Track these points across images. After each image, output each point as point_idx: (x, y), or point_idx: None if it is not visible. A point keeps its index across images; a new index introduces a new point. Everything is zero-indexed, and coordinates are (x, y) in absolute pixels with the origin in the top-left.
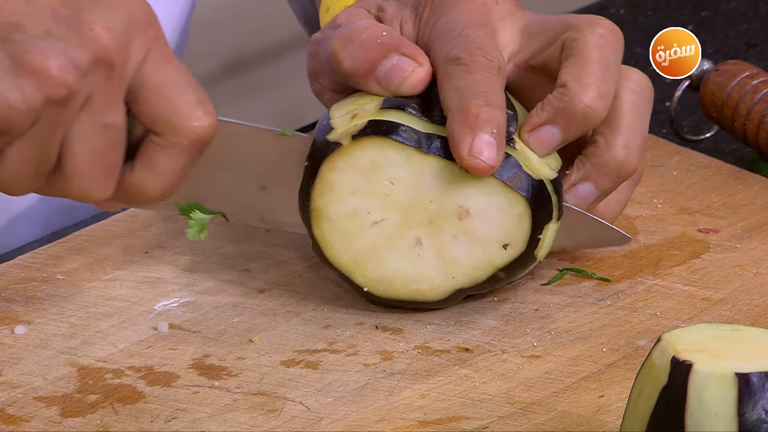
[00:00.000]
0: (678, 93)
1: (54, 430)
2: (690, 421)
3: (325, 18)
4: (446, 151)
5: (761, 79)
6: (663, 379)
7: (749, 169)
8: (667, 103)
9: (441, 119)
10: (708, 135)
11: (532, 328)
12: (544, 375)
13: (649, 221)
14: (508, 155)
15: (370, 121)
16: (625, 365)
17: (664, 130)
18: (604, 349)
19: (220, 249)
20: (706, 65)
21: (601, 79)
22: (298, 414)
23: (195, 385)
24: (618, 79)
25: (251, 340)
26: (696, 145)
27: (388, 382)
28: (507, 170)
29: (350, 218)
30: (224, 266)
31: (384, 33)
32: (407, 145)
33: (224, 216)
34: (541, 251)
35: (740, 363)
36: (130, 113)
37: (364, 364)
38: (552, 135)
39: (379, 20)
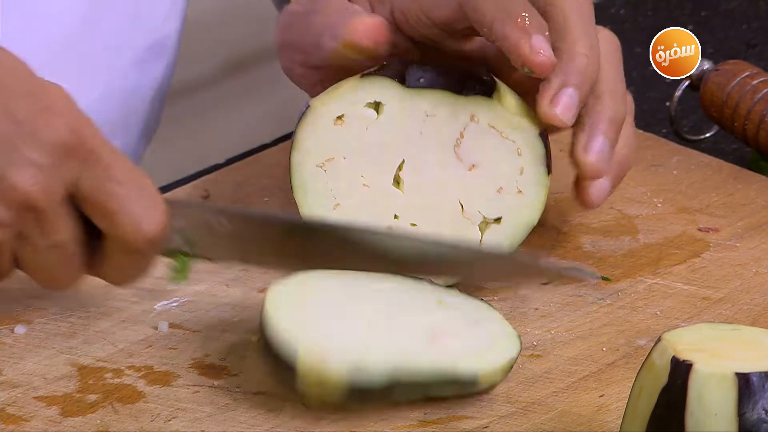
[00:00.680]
0: (678, 93)
1: (54, 430)
2: (690, 421)
3: None
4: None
5: (761, 79)
6: (663, 379)
7: (749, 169)
8: (667, 103)
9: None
10: (708, 135)
11: (532, 328)
12: (544, 374)
13: (649, 220)
14: None
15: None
16: (625, 365)
17: (664, 130)
18: (604, 349)
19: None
20: (706, 65)
21: (581, 39)
22: (298, 414)
23: (195, 385)
24: None
25: (251, 340)
26: (696, 145)
27: None
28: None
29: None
30: (224, 266)
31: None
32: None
33: (209, 258)
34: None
35: (740, 363)
36: None
37: None
38: (570, 97)
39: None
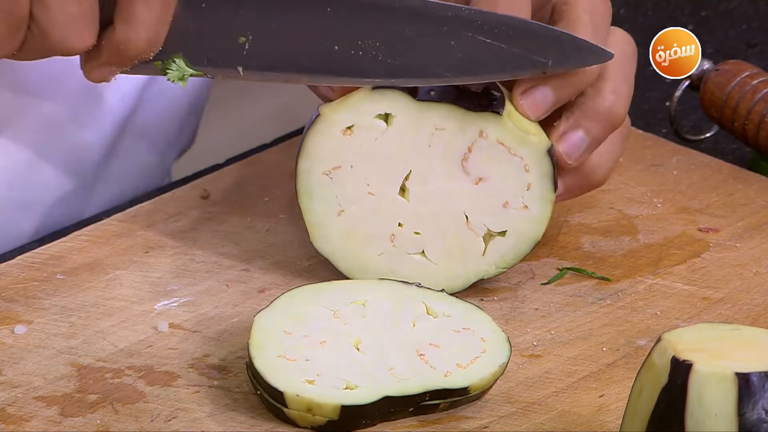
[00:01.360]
0: (678, 93)
1: (54, 430)
2: (690, 421)
3: None
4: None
5: (761, 79)
6: (663, 379)
7: (749, 169)
8: (667, 103)
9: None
10: (708, 135)
11: (532, 328)
12: (544, 374)
13: (649, 220)
14: None
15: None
16: (625, 365)
17: (664, 130)
18: (604, 349)
19: (220, 249)
20: (706, 65)
21: (591, 39)
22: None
23: (195, 385)
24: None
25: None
26: (696, 145)
27: None
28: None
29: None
30: (224, 266)
31: None
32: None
33: (205, 74)
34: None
35: (740, 363)
36: None
37: None
38: (544, 95)
39: None
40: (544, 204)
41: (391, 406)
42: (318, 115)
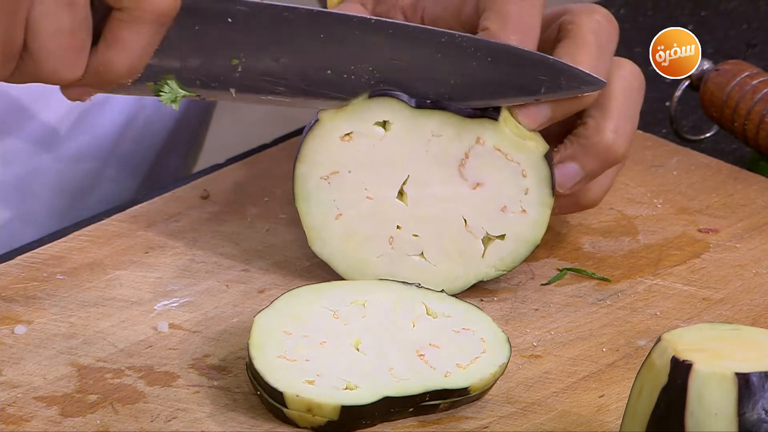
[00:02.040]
0: (678, 93)
1: (54, 430)
2: (690, 421)
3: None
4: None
5: (761, 79)
6: (663, 379)
7: (749, 169)
8: (667, 103)
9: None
10: (708, 135)
11: (532, 328)
12: (544, 375)
13: (649, 221)
14: None
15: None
16: (625, 365)
17: (664, 130)
18: (604, 349)
19: (220, 249)
20: (706, 65)
21: (595, 59)
22: None
23: (195, 385)
24: (611, 67)
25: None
26: (696, 145)
27: None
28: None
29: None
30: (224, 266)
31: None
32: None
33: (197, 96)
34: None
35: (740, 363)
36: None
37: None
38: (540, 110)
39: (376, 13)
40: (542, 208)
41: (391, 407)
42: (317, 121)
